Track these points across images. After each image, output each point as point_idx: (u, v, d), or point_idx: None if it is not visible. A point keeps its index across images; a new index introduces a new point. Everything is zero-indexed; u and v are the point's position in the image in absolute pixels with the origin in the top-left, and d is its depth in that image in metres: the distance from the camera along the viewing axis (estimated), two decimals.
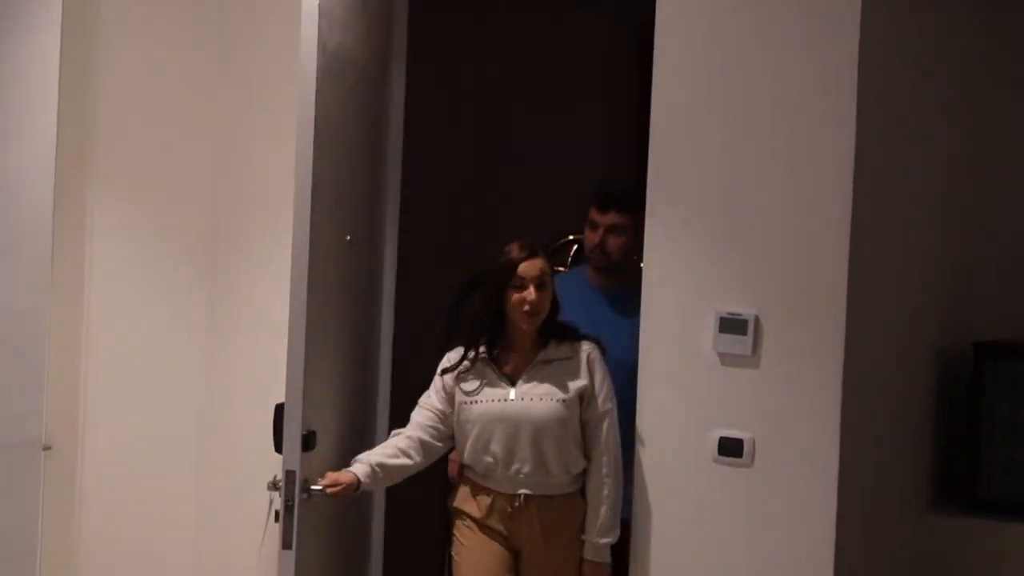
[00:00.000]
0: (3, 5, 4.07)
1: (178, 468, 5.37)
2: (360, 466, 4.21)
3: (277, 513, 4.21)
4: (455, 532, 4.42)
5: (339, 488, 4.14)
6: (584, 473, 4.32)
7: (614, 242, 4.80)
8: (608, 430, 4.30)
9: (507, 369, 4.32)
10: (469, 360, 4.32)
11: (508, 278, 4.22)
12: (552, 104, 7.11)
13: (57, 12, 4.16)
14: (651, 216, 4.52)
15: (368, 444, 5.02)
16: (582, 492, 4.32)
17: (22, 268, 4.18)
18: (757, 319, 4.34)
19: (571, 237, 6.21)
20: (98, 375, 5.07)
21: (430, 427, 4.34)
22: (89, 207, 5.01)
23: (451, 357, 4.38)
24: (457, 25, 6.68)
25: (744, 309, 4.36)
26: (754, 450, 4.34)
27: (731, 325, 4.35)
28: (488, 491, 4.30)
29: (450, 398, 4.35)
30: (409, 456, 4.28)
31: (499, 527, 4.28)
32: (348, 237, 4.69)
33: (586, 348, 4.33)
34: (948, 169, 4.94)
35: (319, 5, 4.24)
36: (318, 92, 4.26)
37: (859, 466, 4.33)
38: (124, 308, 5.18)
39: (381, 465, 4.23)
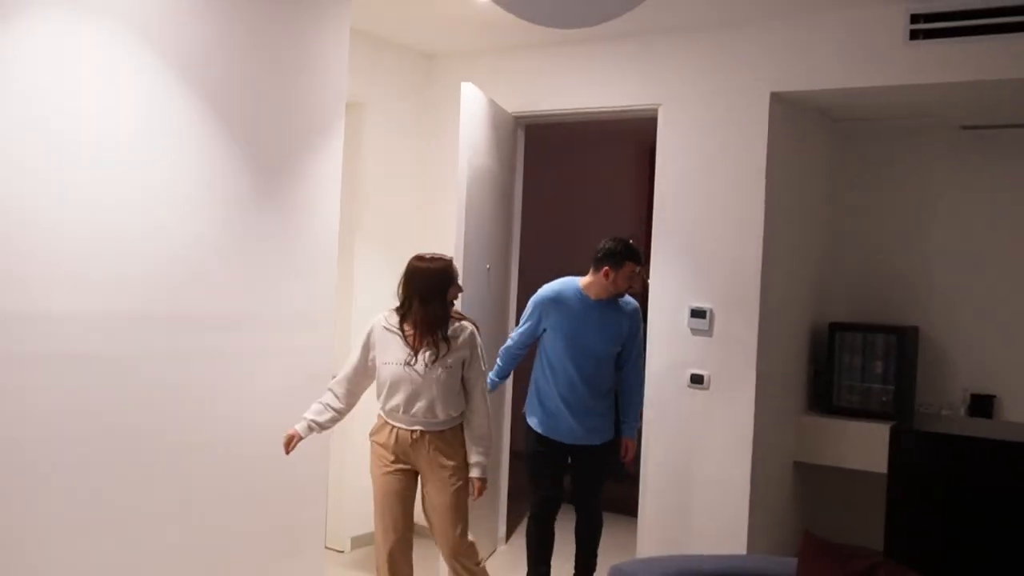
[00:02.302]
0: (306, 134, 3.93)
1: None
2: (301, 423, 3.59)
3: None
4: (371, 456, 3.69)
5: (290, 445, 3.56)
6: (462, 414, 3.61)
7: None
8: (480, 388, 3.60)
9: (415, 342, 3.54)
10: (392, 327, 3.60)
11: (453, 277, 3.57)
12: (600, 190, 7.25)
13: (340, 131, 4.09)
14: (655, 254, 4.69)
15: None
16: (461, 427, 3.61)
17: (318, 281, 4.00)
18: (711, 310, 4.51)
19: None
20: (359, 339, 4.52)
21: (351, 378, 3.67)
22: (356, 246, 4.99)
23: (388, 319, 3.65)
24: (550, 150, 6.78)
25: (705, 304, 4.52)
26: (710, 380, 4.51)
27: (698, 313, 4.53)
28: (393, 427, 3.58)
29: (366, 353, 3.66)
30: (335, 409, 3.63)
31: (400, 453, 3.58)
32: (488, 266, 4.73)
33: (466, 329, 3.59)
34: (814, 226, 4.98)
35: (465, 144, 4.38)
36: (468, 189, 4.40)
37: (765, 388, 4.47)
38: (375, 306, 4.69)
39: (315, 421, 3.60)
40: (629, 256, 4.14)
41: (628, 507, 5.34)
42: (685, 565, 2.80)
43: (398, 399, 3.56)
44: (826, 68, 4.28)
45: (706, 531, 4.49)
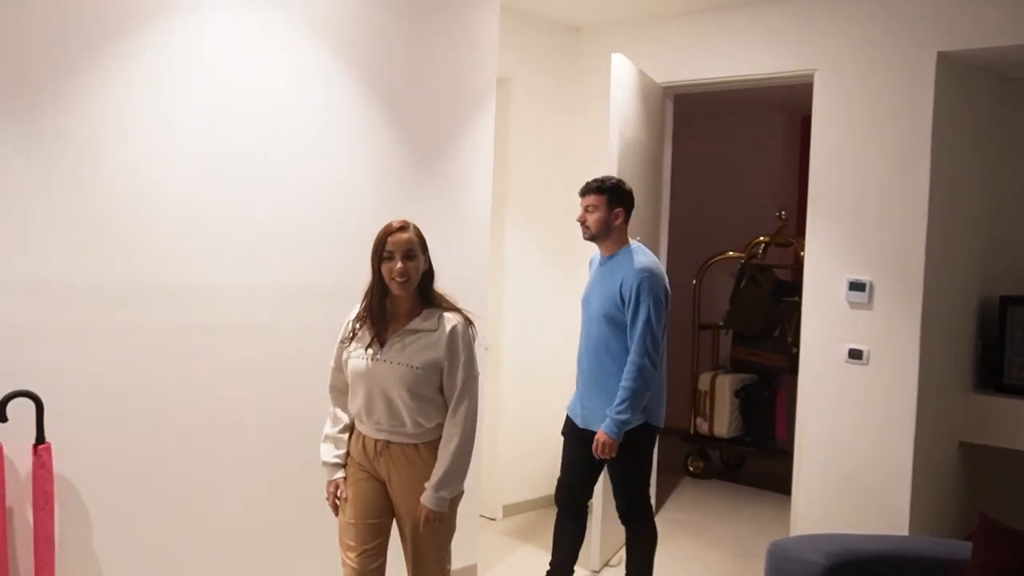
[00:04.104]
0: (459, 112, 4.02)
1: (545, 355, 5.27)
2: (338, 468, 2.89)
3: None
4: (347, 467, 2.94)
5: (336, 498, 2.91)
6: (439, 426, 2.80)
7: (591, 218, 3.63)
8: (463, 400, 2.76)
9: (384, 334, 2.80)
10: (355, 327, 2.86)
11: (380, 251, 2.77)
12: (750, 161, 7.14)
13: (491, 107, 4.16)
14: (810, 225, 4.56)
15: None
16: (438, 440, 2.81)
17: (472, 255, 4.11)
18: (871, 283, 4.35)
19: (761, 238, 6.18)
20: (509, 308, 5.09)
21: (341, 389, 2.93)
22: (506, 221, 5.05)
23: (345, 328, 2.92)
24: (701, 122, 6.78)
25: (864, 277, 4.38)
26: (869, 355, 4.36)
27: (856, 286, 4.38)
28: (361, 435, 2.86)
29: (341, 363, 2.90)
30: (344, 434, 2.93)
31: (368, 464, 2.84)
32: (637, 238, 4.26)
33: (450, 322, 2.78)
34: (981, 194, 4.79)
35: (616, 116, 4.30)
36: (619, 160, 4.29)
37: (929, 364, 4.31)
38: (521, 274, 5.15)
39: (341, 456, 2.90)
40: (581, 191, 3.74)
41: (781, 484, 5.24)
42: (849, 544, 2.68)
43: (359, 400, 2.85)
44: (999, 24, 4.00)
45: (864, 511, 4.34)
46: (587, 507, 3.82)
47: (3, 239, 2.76)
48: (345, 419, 2.94)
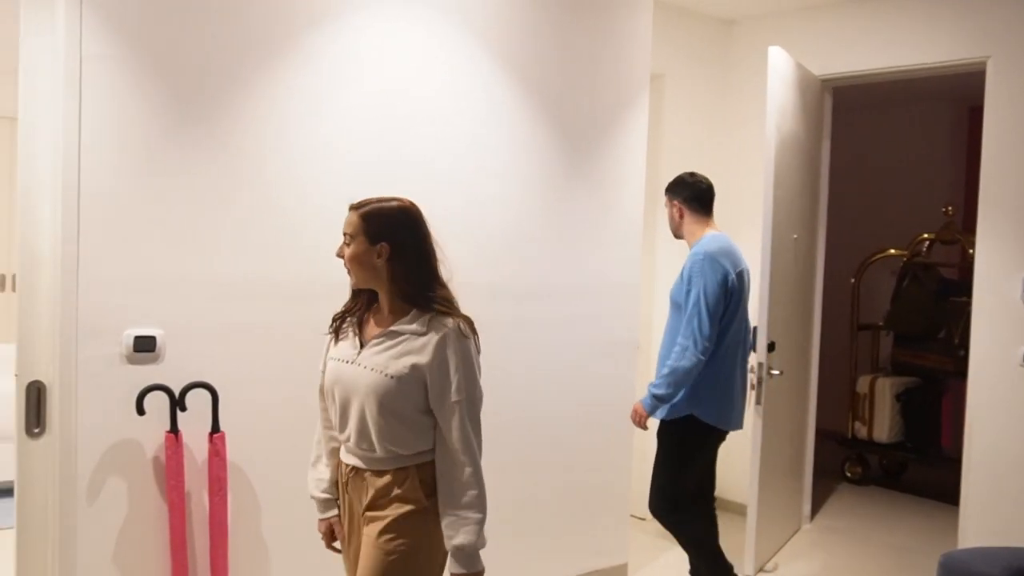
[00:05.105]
0: (612, 109, 3.99)
1: None
2: (329, 505, 2.39)
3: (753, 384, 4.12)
4: None
5: (331, 539, 2.43)
6: (422, 455, 2.21)
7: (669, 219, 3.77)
8: (459, 425, 2.19)
9: (366, 333, 2.28)
10: (338, 321, 2.35)
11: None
12: (911, 154, 6.86)
13: (644, 104, 4.11)
14: (982, 221, 4.34)
15: (803, 347, 4.84)
16: (416, 468, 2.20)
17: (624, 251, 4.08)
18: None
19: (924, 235, 5.95)
20: (660, 309, 4.85)
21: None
22: (658, 220, 4.85)
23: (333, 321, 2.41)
24: (860, 114, 6.54)
25: None
26: None
27: None
28: (338, 459, 2.37)
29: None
30: (333, 458, 2.39)
31: (346, 493, 2.32)
32: (795, 236, 4.58)
33: (443, 328, 2.19)
34: None
35: (773, 110, 4.21)
36: (776, 155, 4.23)
37: None
38: (672, 274, 4.87)
39: (328, 489, 2.38)
40: None
41: (946, 492, 5.02)
42: None
43: (334, 412, 2.33)
44: None
45: None
46: (694, 507, 3.69)
47: (181, 242, 2.89)
48: (331, 441, 2.41)
